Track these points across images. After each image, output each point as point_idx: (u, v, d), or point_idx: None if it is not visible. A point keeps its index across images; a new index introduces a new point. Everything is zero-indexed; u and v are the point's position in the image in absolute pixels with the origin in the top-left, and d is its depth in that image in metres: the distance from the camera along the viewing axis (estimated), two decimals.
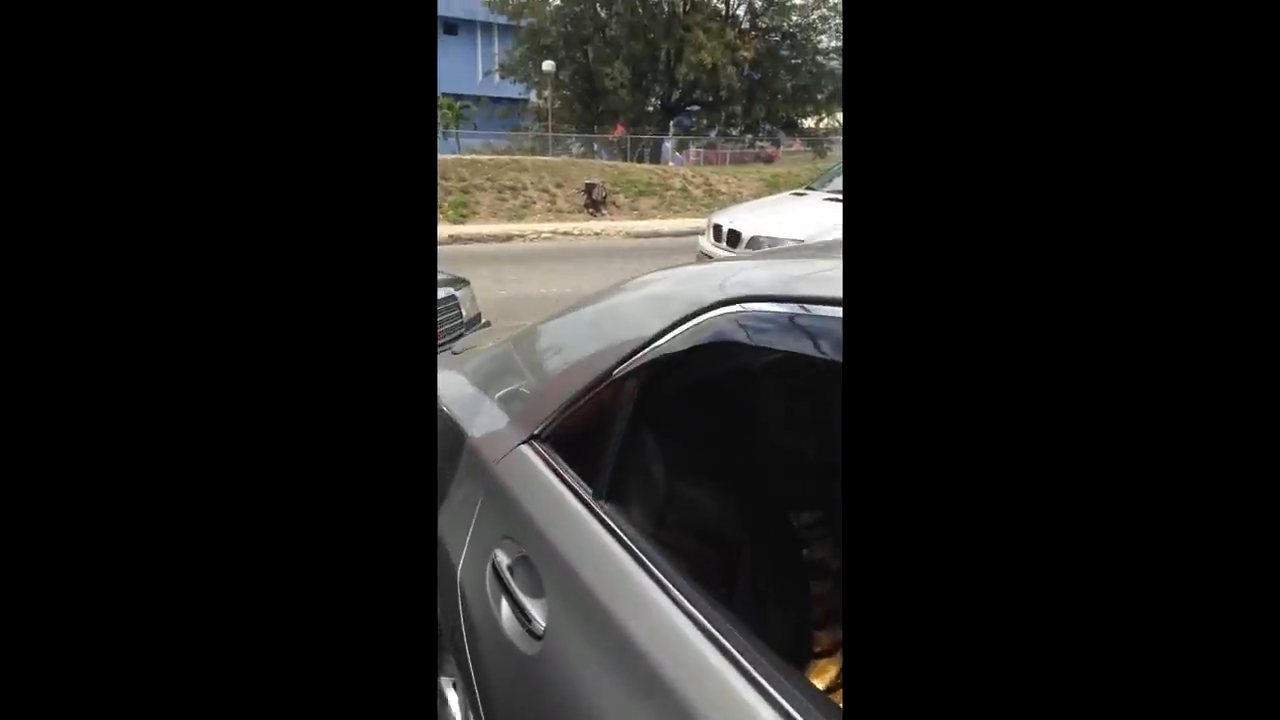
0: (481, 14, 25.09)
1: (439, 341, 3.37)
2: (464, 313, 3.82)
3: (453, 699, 1.31)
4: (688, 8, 21.75)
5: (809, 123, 24.55)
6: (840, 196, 5.74)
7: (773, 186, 14.28)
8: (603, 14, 22.16)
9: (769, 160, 20.51)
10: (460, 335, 3.59)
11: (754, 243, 5.34)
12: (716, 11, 22.41)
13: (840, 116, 24.66)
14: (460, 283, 3.92)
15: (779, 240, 5.21)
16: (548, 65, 20.44)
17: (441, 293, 3.60)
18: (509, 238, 10.69)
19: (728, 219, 5.79)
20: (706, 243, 5.96)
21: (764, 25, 22.61)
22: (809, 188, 6.44)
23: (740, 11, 22.74)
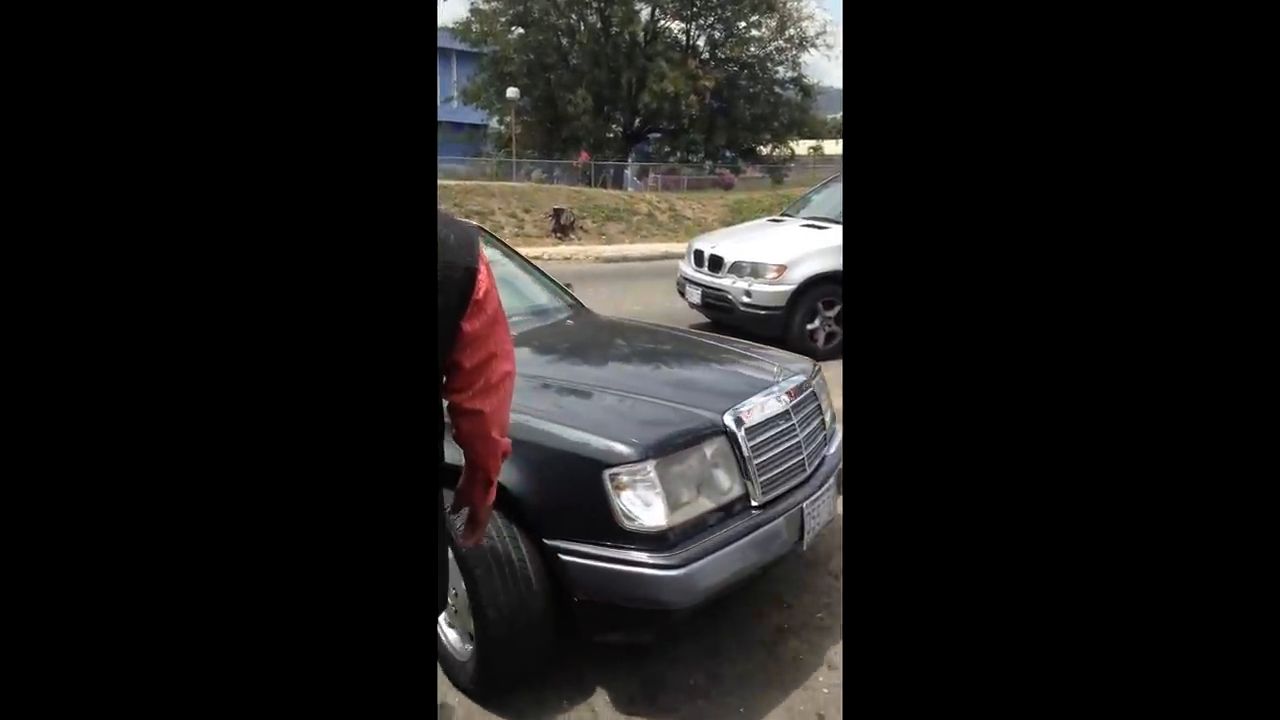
0: (441, 40, 25.18)
1: (790, 462, 2.12)
2: (825, 418, 2.41)
3: None
4: (649, 38, 22.20)
5: (766, 150, 25.05)
6: (815, 223, 5.94)
7: (736, 212, 14.55)
8: (565, 43, 22.47)
9: (727, 186, 20.84)
10: (821, 446, 2.27)
11: (736, 268, 5.50)
12: (678, 42, 22.92)
13: (793, 145, 25.12)
14: (804, 368, 2.48)
15: (761, 264, 5.39)
16: (511, 93, 20.58)
17: (791, 381, 2.29)
18: None
19: (709, 244, 5.93)
20: (687, 267, 6.10)
21: (724, 55, 23.14)
22: (785, 214, 6.63)
23: (700, 42, 23.30)
